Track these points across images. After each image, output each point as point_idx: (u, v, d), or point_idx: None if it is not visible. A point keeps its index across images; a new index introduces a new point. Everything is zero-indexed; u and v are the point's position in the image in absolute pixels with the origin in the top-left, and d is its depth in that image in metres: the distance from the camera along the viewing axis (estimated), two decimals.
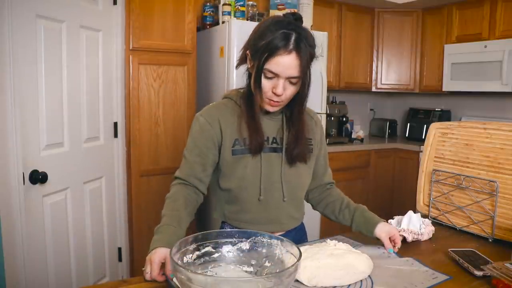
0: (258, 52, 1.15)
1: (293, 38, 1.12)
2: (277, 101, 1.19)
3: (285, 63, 1.12)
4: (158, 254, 1.03)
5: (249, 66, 1.22)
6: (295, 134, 1.27)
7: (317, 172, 1.40)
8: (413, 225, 1.31)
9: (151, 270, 1.01)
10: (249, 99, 1.25)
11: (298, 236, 1.38)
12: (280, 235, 1.31)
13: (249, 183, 1.25)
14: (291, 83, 1.16)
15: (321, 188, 1.44)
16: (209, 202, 2.78)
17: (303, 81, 1.17)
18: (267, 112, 1.27)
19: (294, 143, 1.26)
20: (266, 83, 1.16)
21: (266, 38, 1.13)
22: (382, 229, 1.25)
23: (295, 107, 1.26)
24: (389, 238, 1.24)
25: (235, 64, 2.56)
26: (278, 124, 1.29)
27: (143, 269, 1.04)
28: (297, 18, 1.18)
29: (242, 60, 1.26)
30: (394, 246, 1.23)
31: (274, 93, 1.16)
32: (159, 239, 1.08)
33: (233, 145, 1.24)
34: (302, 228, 1.44)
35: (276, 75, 1.14)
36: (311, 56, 1.17)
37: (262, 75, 1.16)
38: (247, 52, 1.22)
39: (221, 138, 1.25)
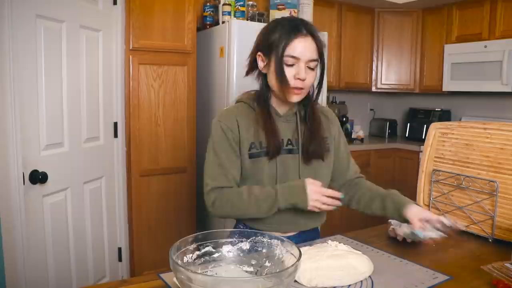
0: (273, 45, 1.19)
1: (304, 26, 1.18)
2: (301, 88, 1.21)
3: (303, 45, 1.17)
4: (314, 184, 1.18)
5: (262, 66, 1.25)
6: (310, 131, 1.29)
7: (340, 169, 1.41)
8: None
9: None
10: (264, 102, 1.28)
11: (310, 238, 1.37)
12: (293, 235, 1.33)
13: (265, 186, 1.25)
14: (310, 68, 1.20)
15: (348, 185, 1.42)
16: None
17: (321, 67, 1.22)
18: (281, 114, 1.29)
19: (310, 140, 1.28)
20: (288, 72, 1.19)
21: (278, 31, 1.18)
22: (412, 211, 1.21)
23: (308, 105, 1.30)
24: (420, 220, 1.18)
25: (235, 65, 2.59)
26: (292, 126, 1.31)
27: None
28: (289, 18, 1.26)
29: (252, 66, 1.29)
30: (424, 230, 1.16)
31: (298, 79, 1.18)
32: (290, 188, 1.20)
33: (250, 149, 1.26)
34: (316, 230, 1.43)
35: (297, 59, 1.17)
36: (323, 45, 1.22)
37: (283, 64, 1.18)
38: (258, 54, 1.25)
39: (239, 142, 1.27)
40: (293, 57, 1.17)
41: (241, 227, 1.34)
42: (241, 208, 1.23)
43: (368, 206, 1.35)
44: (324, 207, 1.18)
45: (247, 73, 1.31)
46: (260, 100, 1.29)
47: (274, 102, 1.30)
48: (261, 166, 1.26)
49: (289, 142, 1.29)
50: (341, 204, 1.18)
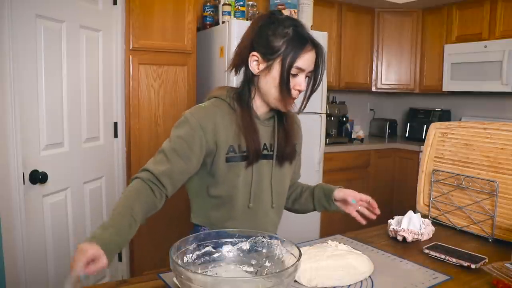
0: (277, 52, 1.13)
1: (306, 33, 1.15)
2: (295, 98, 1.20)
3: (311, 57, 1.15)
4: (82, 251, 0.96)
5: (257, 68, 1.16)
6: (285, 135, 1.26)
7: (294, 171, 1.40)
8: (413, 225, 1.31)
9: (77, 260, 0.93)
10: (247, 103, 1.20)
11: None
12: None
13: (240, 191, 1.21)
14: (306, 77, 1.18)
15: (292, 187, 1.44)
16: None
17: (314, 76, 1.19)
18: (261, 118, 1.24)
19: (285, 144, 1.25)
20: (290, 81, 1.16)
21: (282, 37, 1.13)
22: (342, 191, 1.29)
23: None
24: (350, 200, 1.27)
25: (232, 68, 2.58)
26: (269, 130, 1.26)
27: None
28: (281, 13, 1.20)
29: (242, 63, 1.19)
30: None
31: (298, 90, 1.17)
32: (103, 236, 0.99)
33: (227, 152, 1.18)
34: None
35: (301, 71, 1.15)
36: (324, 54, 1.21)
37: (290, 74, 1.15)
38: (253, 53, 1.15)
39: (215, 145, 1.17)
40: (299, 68, 1.14)
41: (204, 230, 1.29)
42: (116, 207, 1.09)
43: (299, 202, 1.41)
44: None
45: (231, 69, 1.22)
46: (242, 101, 1.20)
47: (255, 105, 1.22)
48: (237, 172, 1.19)
49: (265, 147, 1.24)
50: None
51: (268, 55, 1.14)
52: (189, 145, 1.14)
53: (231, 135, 1.18)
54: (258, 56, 1.15)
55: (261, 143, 1.21)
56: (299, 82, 1.15)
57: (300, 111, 1.24)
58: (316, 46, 1.16)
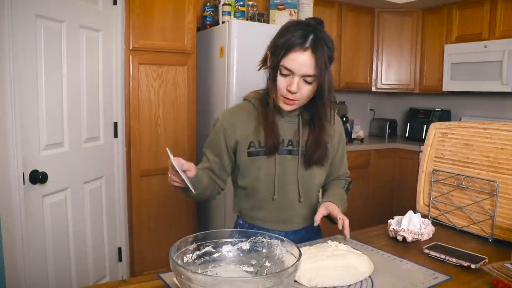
0: (275, 50, 1.18)
1: (311, 37, 1.15)
2: (292, 99, 1.20)
3: (299, 59, 1.14)
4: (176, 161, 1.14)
5: (268, 65, 1.24)
6: (316, 138, 1.28)
7: (329, 172, 1.42)
8: (413, 225, 1.31)
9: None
10: (265, 101, 1.27)
11: (309, 234, 1.40)
12: (292, 231, 1.36)
13: (262, 184, 1.29)
14: (306, 82, 1.18)
15: (327, 183, 1.47)
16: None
17: (320, 82, 1.18)
18: (284, 115, 1.29)
19: (314, 148, 1.28)
20: (281, 81, 1.19)
21: (285, 37, 1.16)
22: (322, 205, 1.27)
23: (314, 111, 1.27)
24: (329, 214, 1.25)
25: (235, 65, 2.59)
26: (294, 127, 1.31)
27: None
28: (319, 22, 1.21)
29: (263, 62, 1.28)
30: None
31: (289, 91, 1.18)
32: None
33: (249, 147, 1.28)
34: (313, 226, 1.44)
35: (291, 72, 1.16)
36: (330, 58, 1.18)
37: (278, 72, 1.18)
38: (267, 52, 1.24)
39: (236, 141, 1.29)
40: (287, 69, 1.16)
41: (241, 222, 1.40)
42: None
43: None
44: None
45: (259, 68, 1.30)
46: (263, 99, 1.29)
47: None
48: (259, 165, 1.28)
49: (290, 143, 1.30)
50: None
51: (271, 53, 1.21)
52: (217, 144, 1.32)
53: (251, 131, 1.29)
54: (269, 54, 1.23)
55: (281, 138, 1.27)
56: (289, 83, 1.18)
57: (320, 108, 1.26)
58: (315, 50, 1.14)
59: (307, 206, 1.36)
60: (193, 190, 1.16)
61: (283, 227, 1.35)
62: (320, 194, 1.46)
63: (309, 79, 1.17)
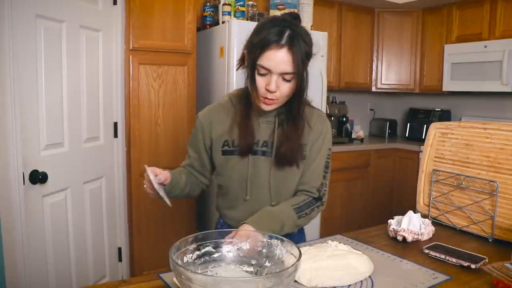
0: (251, 49, 1.15)
1: (286, 33, 1.11)
2: (272, 99, 1.16)
3: (276, 57, 1.11)
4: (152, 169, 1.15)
5: (246, 65, 1.20)
6: (286, 135, 1.23)
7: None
8: (413, 225, 1.31)
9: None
10: (245, 100, 1.26)
11: (292, 237, 1.28)
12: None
13: (235, 183, 1.29)
14: (285, 79, 1.14)
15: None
16: (210, 196, 2.77)
17: (298, 79, 1.14)
18: (262, 115, 1.25)
19: (284, 144, 1.23)
20: (260, 81, 1.15)
21: (261, 35, 1.13)
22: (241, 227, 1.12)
23: (290, 110, 1.23)
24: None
25: (235, 65, 2.58)
26: (270, 127, 1.27)
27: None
28: (295, 17, 1.18)
29: (241, 61, 1.25)
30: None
31: (268, 90, 1.14)
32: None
33: (223, 146, 1.28)
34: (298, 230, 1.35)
35: (269, 71, 1.13)
36: (307, 54, 1.15)
37: (256, 71, 1.14)
38: (244, 51, 1.22)
39: (211, 138, 1.30)
40: (263, 67, 1.13)
41: (221, 221, 1.40)
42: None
43: None
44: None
45: (237, 68, 1.28)
46: (241, 98, 1.27)
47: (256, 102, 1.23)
48: (233, 164, 1.27)
49: (265, 144, 1.26)
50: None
51: (248, 52, 1.18)
52: (196, 140, 1.33)
53: (226, 130, 1.27)
54: (246, 54, 1.20)
55: (254, 137, 1.24)
56: (268, 82, 1.14)
57: (295, 110, 1.23)
58: (291, 46, 1.10)
59: None
60: (169, 204, 1.19)
61: None
62: None
63: (287, 76, 1.13)
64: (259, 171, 1.26)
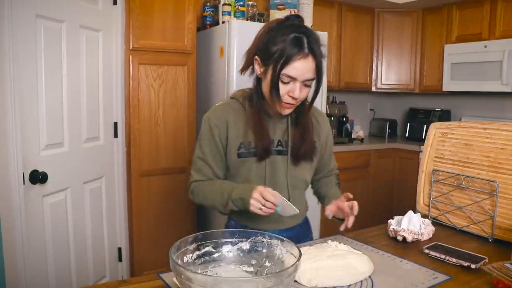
0: (271, 58, 1.16)
1: (305, 41, 1.14)
2: (293, 104, 1.21)
3: (302, 67, 1.14)
4: (265, 189, 1.15)
5: (259, 71, 1.22)
6: (301, 133, 1.29)
7: (319, 168, 1.45)
8: (413, 225, 1.31)
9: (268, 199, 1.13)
10: (256, 103, 1.27)
11: (302, 231, 1.42)
12: (283, 230, 1.35)
13: (254, 185, 1.27)
14: (305, 85, 1.19)
15: (321, 179, 1.51)
16: None
17: (318, 81, 1.20)
18: (272, 115, 1.29)
19: (300, 142, 1.29)
20: (282, 88, 1.18)
21: (278, 43, 1.14)
22: (332, 203, 1.31)
23: (302, 108, 1.29)
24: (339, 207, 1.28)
25: (235, 65, 2.59)
26: (283, 127, 1.31)
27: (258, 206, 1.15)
28: (302, 19, 1.21)
29: (248, 65, 1.26)
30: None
31: (291, 97, 1.18)
32: (244, 187, 1.20)
33: (239, 148, 1.27)
34: (305, 222, 1.47)
35: (293, 79, 1.16)
36: (323, 56, 1.20)
37: (279, 80, 1.16)
38: (256, 57, 1.22)
39: (227, 141, 1.28)
40: (290, 77, 1.16)
41: (233, 223, 1.40)
42: (209, 198, 1.29)
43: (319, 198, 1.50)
44: (259, 211, 1.16)
45: (242, 71, 1.29)
46: (252, 100, 1.28)
47: (267, 103, 1.28)
48: (249, 166, 1.28)
49: (279, 144, 1.30)
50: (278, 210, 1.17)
51: (265, 60, 1.19)
52: (213, 142, 1.29)
53: (241, 132, 1.27)
54: (259, 60, 1.21)
55: (271, 140, 1.27)
56: (292, 89, 1.17)
57: (306, 109, 1.30)
58: (313, 53, 1.15)
59: (297, 204, 1.33)
60: (296, 210, 1.17)
61: (274, 226, 1.34)
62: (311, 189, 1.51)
63: (309, 82, 1.19)
64: (277, 170, 1.30)
